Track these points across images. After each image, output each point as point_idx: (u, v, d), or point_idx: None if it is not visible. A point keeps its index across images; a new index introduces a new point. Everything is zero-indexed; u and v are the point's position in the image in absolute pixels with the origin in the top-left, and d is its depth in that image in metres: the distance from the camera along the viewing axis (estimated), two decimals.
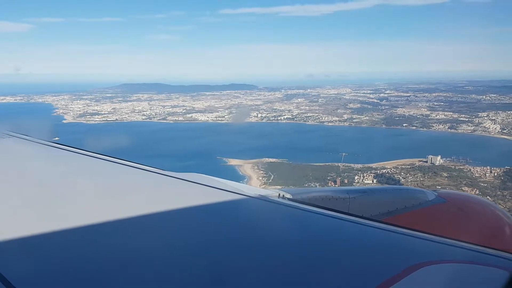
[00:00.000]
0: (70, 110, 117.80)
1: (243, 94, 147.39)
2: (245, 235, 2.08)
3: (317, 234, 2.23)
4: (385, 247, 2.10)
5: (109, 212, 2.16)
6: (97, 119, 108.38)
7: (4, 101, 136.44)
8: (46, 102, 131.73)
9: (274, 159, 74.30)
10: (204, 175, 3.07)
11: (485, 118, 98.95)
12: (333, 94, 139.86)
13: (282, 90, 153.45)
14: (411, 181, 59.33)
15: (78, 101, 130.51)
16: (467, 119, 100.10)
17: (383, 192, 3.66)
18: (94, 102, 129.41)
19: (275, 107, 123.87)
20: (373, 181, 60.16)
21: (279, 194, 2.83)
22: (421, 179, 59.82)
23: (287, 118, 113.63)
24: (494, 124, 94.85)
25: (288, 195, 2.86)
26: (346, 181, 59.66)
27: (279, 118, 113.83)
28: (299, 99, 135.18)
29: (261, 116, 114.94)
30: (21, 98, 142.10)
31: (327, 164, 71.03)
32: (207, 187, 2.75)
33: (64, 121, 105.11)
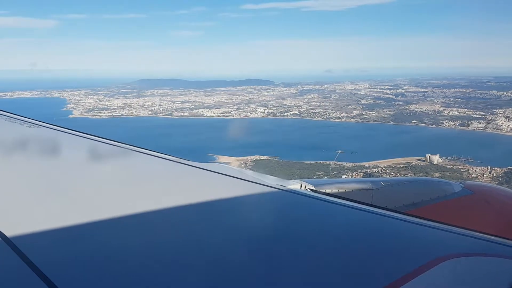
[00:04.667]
0: (81, 105, 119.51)
1: (257, 90, 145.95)
2: (269, 226, 2.08)
3: (341, 226, 2.24)
4: (410, 240, 2.10)
5: (138, 203, 2.19)
6: (103, 114, 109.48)
7: (22, 96, 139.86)
8: (62, 97, 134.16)
9: (265, 157, 72.70)
10: (226, 165, 3.06)
11: (500, 115, 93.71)
12: (349, 89, 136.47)
13: (298, 86, 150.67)
14: None
15: (93, 96, 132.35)
16: (480, 116, 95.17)
17: (408, 184, 3.53)
18: (107, 97, 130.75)
19: (285, 103, 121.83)
20: None
21: (301, 185, 2.82)
22: None
23: (293, 114, 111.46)
24: (508, 121, 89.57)
25: (310, 186, 2.84)
26: None
27: (285, 114, 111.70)
28: (312, 95, 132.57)
29: (267, 112, 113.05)
30: (38, 93, 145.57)
31: (319, 162, 68.90)
32: (229, 177, 2.71)
33: (71, 116, 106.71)
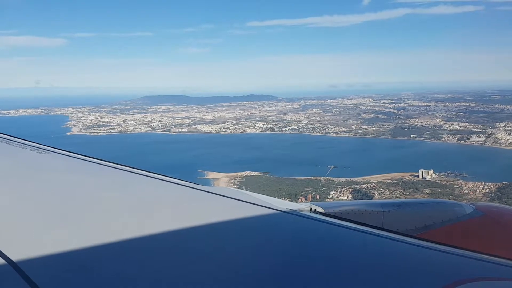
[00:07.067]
0: (81, 122, 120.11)
1: (259, 105, 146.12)
2: (278, 250, 2.09)
3: (351, 250, 2.22)
4: (422, 264, 2.08)
5: (142, 227, 2.18)
6: (101, 131, 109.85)
7: (25, 113, 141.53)
8: (65, 115, 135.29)
9: (256, 173, 71.86)
10: (233, 188, 3.14)
11: (501, 128, 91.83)
12: (351, 104, 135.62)
13: (301, 101, 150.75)
14: (385, 198, 54.77)
15: (95, 113, 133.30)
16: (481, 130, 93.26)
17: (419, 205, 3.50)
18: (110, 114, 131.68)
19: (285, 118, 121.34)
20: (347, 197, 56.23)
21: (311, 208, 2.81)
22: (398, 196, 55.17)
23: (292, 129, 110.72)
24: (508, 135, 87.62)
25: (319, 209, 2.84)
26: (318, 197, 56.14)
27: (284, 129, 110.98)
28: (313, 110, 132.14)
29: (266, 127, 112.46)
30: (42, 111, 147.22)
31: (309, 177, 67.74)
32: (237, 201, 2.70)
33: (69, 133, 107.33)
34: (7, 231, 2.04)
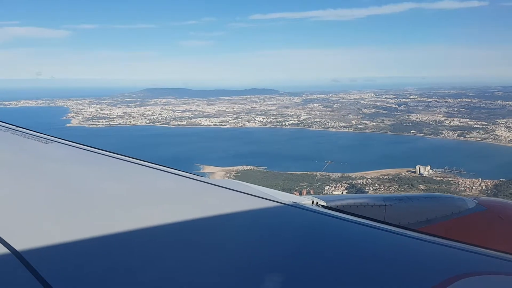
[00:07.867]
0: (81, 114, 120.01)
1: (261, 99, 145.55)
2: (281, 243, 2.09)
3: (353, 243, 2.22)
4: (424, 258, 2.08)
5: (146, 219, 2.20)
6: (100, 124, 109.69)
7: (26, 104, 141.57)
8: (65, 106, 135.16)
9: (252, 167, 71.55)
10: (238, 181, 3.06)
11: (502, 125, 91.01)
12: (353, 99, 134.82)
13: (303, 95, 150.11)
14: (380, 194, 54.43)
15: (95, 105, 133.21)
16: (481, 127, 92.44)
17: (421, 200, 3.51)
18: (110, 106, 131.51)
19: (286, 112, 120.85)
20: (342, 192, 55.79)
21: (313, 201, 2.83)
22: (393, 192, 54.66)
23: (291, 124, 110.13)
24: (508, 131, 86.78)
25: (322, 202, 2.85)
26: (312, 192, 55.71)
27: (283, 123, 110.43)
28: (314, 104, 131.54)
29: (266, 121, 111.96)
30: (43, 102, 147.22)
31: (305, 172, 67.39)
32: (239, 193, 2.70)
33: (68, 125, 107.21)
34: (13, 220, 2.06)
